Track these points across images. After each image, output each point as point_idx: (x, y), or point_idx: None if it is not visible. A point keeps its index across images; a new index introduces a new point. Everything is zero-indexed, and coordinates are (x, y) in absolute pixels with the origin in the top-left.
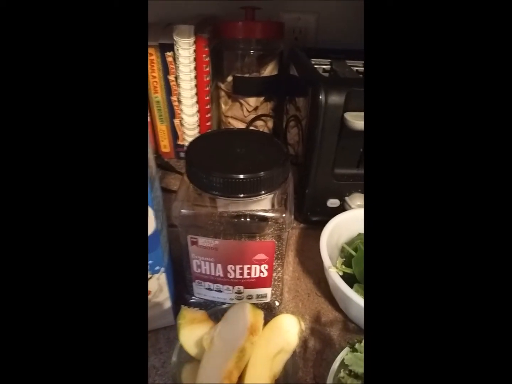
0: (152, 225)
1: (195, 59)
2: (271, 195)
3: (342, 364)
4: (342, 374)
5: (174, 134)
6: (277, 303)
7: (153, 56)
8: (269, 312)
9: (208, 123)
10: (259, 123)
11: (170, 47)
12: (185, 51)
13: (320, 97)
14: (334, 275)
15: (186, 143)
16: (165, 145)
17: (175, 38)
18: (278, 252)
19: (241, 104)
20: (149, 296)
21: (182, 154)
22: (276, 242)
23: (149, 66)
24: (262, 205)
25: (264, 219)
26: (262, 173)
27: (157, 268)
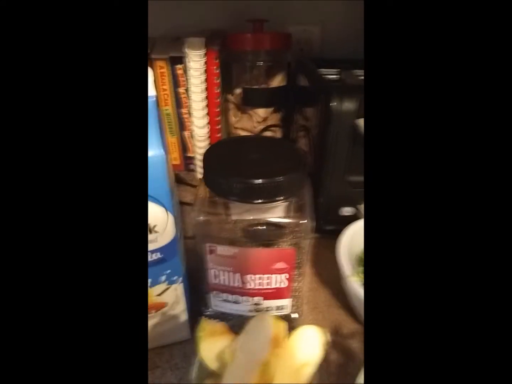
0: (172, 232)
1: (205, 71)
2: (287, 202)
3: None
4: None
5: (184, 147)
6: (296, 315)
7: (163, 69)
8: (289, 324)
9: (218, 135)
10: (268, 133)
11: (180, 60)
12: (196, 63)
13: (334, 103)
14: (353, 284)
15: (196, 155)
16: (175, 157)
17: (186, 51)
18: (298, 261)
19: (251, 116)
20: (165, 309)
21: (192, 167)
22: (296, 251)
23: (159, 79)
24: (277, 212)
25: (281, 226)
26: (280, 177)
27: (174, 278)
